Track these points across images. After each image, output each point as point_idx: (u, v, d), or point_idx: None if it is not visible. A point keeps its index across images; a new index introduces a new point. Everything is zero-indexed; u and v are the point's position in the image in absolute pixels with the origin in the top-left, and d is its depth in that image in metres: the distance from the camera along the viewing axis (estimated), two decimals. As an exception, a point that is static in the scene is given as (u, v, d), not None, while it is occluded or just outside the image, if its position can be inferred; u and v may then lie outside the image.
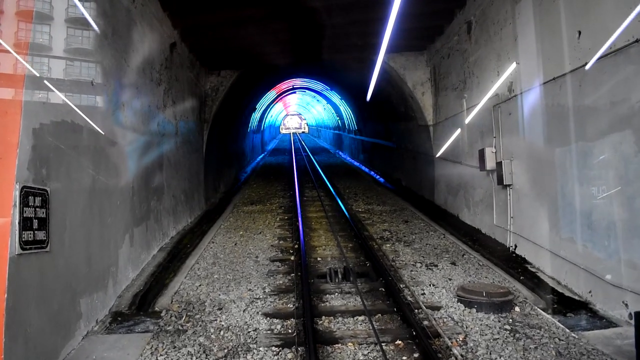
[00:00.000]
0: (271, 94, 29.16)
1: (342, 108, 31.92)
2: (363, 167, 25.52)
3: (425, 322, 5.84)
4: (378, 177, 21.22)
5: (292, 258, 8.90)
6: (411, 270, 8.03)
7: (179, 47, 11.10)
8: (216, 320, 6.15)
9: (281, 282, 7.65)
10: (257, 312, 6.36)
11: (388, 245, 9.79)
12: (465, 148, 11.20)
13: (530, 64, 7.94)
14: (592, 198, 6.39)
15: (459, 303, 6.51)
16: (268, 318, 6.18)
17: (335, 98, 30.67)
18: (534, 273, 7.71)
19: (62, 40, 5.96)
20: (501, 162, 8.87)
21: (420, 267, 8.24)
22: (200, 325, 5.99)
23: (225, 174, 18.98)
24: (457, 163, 11.81)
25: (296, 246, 9.62)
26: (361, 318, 6.13)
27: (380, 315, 6.23)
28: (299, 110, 64.48)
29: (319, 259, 8.89)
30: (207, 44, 12.40)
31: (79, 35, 6.02)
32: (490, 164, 9.34)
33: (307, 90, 34.98)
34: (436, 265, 8.28)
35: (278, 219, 12.74)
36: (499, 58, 9.08)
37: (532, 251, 8.19)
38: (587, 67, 6.25)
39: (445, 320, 6.03)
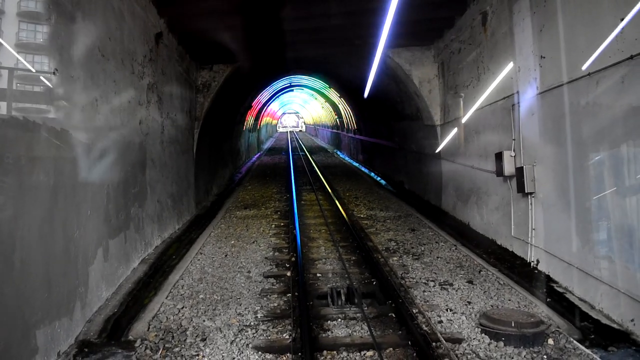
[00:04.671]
0: (268, 91, 28.21)
1: (340, 106, 30.99)
2: (363, 168, 24.61)
3: (447, 360, 4.93)
4: (379, 179, 20.31)
5: (289, 274, 7.96)
6: (424, 291, 7.10)
7: (166, 38, 10.14)
8: (198, 355, 5.21)
9: (276, 304, 6.70)
10: (247, 345, 5.41)
11: (395, 258, 8.85)
12: (478, 151, 10.28)
13: (558, 58, 7.01)
14: (638, 212, 5.49)
15: (483, 334, 5.58)
16: (259, 353, 5.24)
17: (334, 96, 29.74)
18: (562, 294, 6.79)
19: (17, 20, 5.02)
20: (522, 167, 7.96)
21: (434, 286, 7.30)
22: (178, 362, 5.05)
23: (219, 175, 18.03)
24: (467, 167, 10.90)
25: (293, 259, 8.69)
26: (370, 353, 5.20)
27: (392, 349, 5.29)
28: (296, 109, 63.62)
29: (318, 274, 7.95)
30: (197, 36, 11.43)
31: (39, 18, 5.07)
32: (508, 168, 8.44)
33: (304, 88, 34.03)
34: (451, 284, 7.35)
35: (273, 225, 11.79)
36: (520, 52, 8.15)
37: (558, 268, 7.27)
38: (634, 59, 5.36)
39: (469, 357, 5.11)
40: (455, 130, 11.71)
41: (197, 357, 5.16)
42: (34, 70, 5.03)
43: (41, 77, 5.07)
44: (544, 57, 7.43)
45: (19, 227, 4.52)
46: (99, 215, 6.60)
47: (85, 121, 6.14)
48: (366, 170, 23.56)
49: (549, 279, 7.35)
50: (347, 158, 31.20)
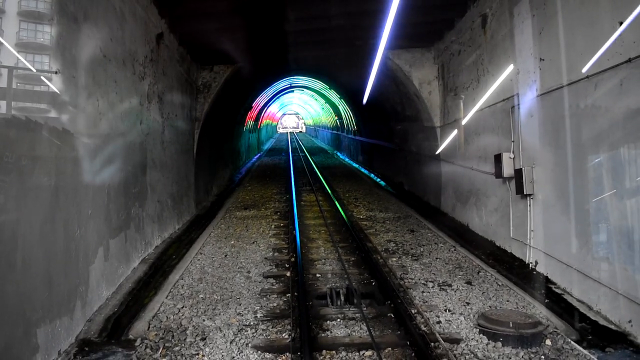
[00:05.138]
0: (268, 92, 28.23)
1: (341, 107, 31.01)
2: (362, 169, 24.63)
3: (445, 361, 4.96)
4: (379, 180, 20.33)
5: (288, 274, 7.99)
6: (422, 291, 7.13)
7: (167, 38, 10.17)
8: (198, 354, 5.24)
9: (275, 304, 6.73)
10: (247, 344, 5.45)
11: (394, 259, 8.88)
12: (478, 152, 10.31)
13: (558, 61, 7.05)
14: (638, 214, 5.51)
15: (481, 334, 5.62)
16: (259, 352, 5.27)
17: (334, 97, 29.76)
18: (560, 295, 6.82)
19: (18, 19, 5.05)
20: (521, 169, 7.98)
21: (433, 287, 7.34)
22: (178, 361, 5.08)
23: (219, 176, 18.05)
24: (467, 168, 10.93)
25: (292, 259, 8.72)
26: (368, 353, 5.24)
27: (390, 349, 5.33)
28: (296, 110, 63.60)
29: (318, 275, 7.98)
30: (198, 36, 11.45)
31: (42, 18, 5.10)
32: (507, 170, 8.46)
33: (305, 89, 34.03)
34: (450, 285, 7.39)
35: (273, 226, 11.83)
36: (520, 54, 8.19)
37: (556, 270, 7.30)
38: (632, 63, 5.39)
39: (467, 357, 5.14)
40: (454, 131, 11.74)
41: (197, 357, 5.18)
42: (34, 70, 5.06)
43: (42, 77, 5.11)
44: (544, 60, 7.46)
45: (21, 227, 4.55)
46: (99, 214, 6.63)
47: (86, 121, 6.17)
48: (366, 172, 23.58)
49: (547, 280, 7.38)
50: (347, 159, 31.22)
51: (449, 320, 6.06)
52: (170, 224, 10.68)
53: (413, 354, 5.17)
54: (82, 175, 6.01)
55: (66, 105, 5.60)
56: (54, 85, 5.27)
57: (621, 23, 5.51)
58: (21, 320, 4.54)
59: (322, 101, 37.10)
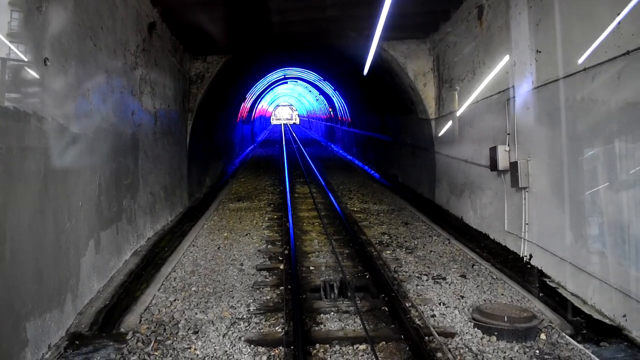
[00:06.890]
0: (262, 83, 28.05)
1: (335, 99, 30.88)
2: (356, 161, 24.58)
3: (439, 355, 4.93)
4: (373, 172, 20.28)
5: (282, 267, 7.93)
6: (417, 285, 7.09)
7: (159, 28, 10.01)
8: (190, 348, 5.17)
9: (268, 297, 6.68)
10: (239, 338, 5.38)
11: (388, 251, 8.84)
12: (472, 145, 10.26)
13: (554, 53, 6.97)
14: (633, 208, 5.49)
15: (475, 328, 5.59)
16: (252, 346, 5.21)
17: (328, 89, 29.62)
18: (555, 289, 6.80)
19: (9, 9, 4.91)
20: (516, 162, 7.93)
21: (427, 280, 7.31)
22: (170, 355, 5.01)
23: (212, 167, 17.93)
24: (462, 161, 10.89)
25: (286, 252, 8.66)
26: (362, 347, 5.19)
27: (384, 343, 5.29)
28: (290, 101, 63.37)
29: (311, 268, 7.93)
30: (191, 26, 11.25)
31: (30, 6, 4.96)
32: (502, 163, 8.42)
33: (299, 81, 33.86)
34: (444, 278, 7.36)
35: (266, 218, 11.76)
36: (516, 46, 8.12)
37: (551, 263, 7.29)
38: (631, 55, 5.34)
39: (462, 351, 5.11)
40: (449, 124, 11.69)
41: (189, 350, 5.12)
42: (26, 60, 4.93)
43: (32, 67, 4.97)
44: (540, 52, 7.40)
45: (9, 219, 4.45)
46: (90, 206, 6.54)
47: (76, 112, 6.06)
48: (360, 164, 23.53)
49: (541, 273, 7.36)
50: (340, 151, 31.16)
51: (444, 314, 6.02)
52: (162, 215, 10.58)
53: (407, 348, 5.14)
54: (72, 166, 5.90)
55: (56, 95, 5.47)
56: (44, 75, 5.14)
57: (619, 15, 5.46)
58: (10, 314, 4.46)
59: (316, 92, 36.92)
